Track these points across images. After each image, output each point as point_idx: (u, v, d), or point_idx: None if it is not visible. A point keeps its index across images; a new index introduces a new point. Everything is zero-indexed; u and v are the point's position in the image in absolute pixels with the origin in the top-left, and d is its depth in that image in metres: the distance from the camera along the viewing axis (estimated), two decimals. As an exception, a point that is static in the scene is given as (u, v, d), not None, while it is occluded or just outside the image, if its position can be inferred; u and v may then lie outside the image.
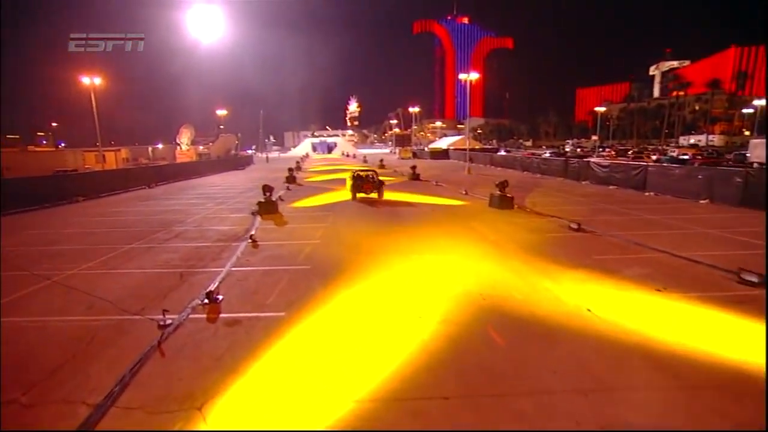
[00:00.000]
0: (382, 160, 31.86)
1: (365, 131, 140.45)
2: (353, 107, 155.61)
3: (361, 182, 13.56)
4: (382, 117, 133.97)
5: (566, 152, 46.17)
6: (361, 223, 9.92)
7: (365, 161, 41.29)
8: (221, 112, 56.36)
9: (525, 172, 24.22)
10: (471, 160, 27.66)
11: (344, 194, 15.60)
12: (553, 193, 14.62)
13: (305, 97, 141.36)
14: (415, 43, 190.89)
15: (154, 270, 6.65)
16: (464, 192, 14.94)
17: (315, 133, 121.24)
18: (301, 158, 49.89)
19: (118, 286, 5.92)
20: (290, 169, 21.40)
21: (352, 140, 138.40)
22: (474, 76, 25.75)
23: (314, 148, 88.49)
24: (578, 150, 52.03)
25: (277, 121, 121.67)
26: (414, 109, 68.06)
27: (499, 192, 11.64)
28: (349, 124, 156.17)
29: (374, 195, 13.36)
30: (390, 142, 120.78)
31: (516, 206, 11.45)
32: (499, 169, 28.15)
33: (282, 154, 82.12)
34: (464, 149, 43.76)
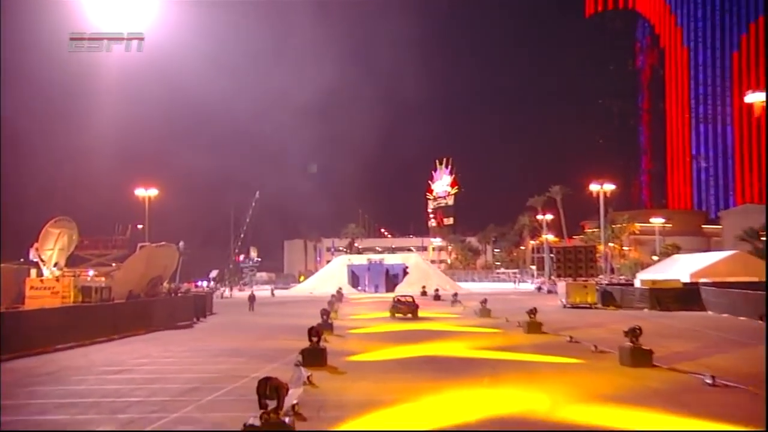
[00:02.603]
0: (533, 313, 31.09)
1: (472, 240, 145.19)
2: (443, 184, 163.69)
3: (399, 305, 41.90)
4: (511, 209, 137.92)
5: None
6: None
7: (483, 308, 42.17)
8: (145, 194, 60.87)
9: None
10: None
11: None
12: None
13: (335, 165, 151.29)
14: (588, 40, 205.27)
15: None
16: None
17: (357, 246, 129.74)
18: (331, 301, 50.56)
19: None
20: (314, 331, 20.86)
21: (444, 261, 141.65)
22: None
23: (355, 279, 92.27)
24: None
25: (268, 217, 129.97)
26: (601, 189, 68.26)
27: None
28: (433, 222, 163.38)
29: (410, 315, 40.43)
30: (532, 267, 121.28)
31: None
32: None
33: (281, 292, 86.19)
34: (743, 286, 41.21)
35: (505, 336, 29.85)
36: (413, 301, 43.05)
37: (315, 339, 20.75)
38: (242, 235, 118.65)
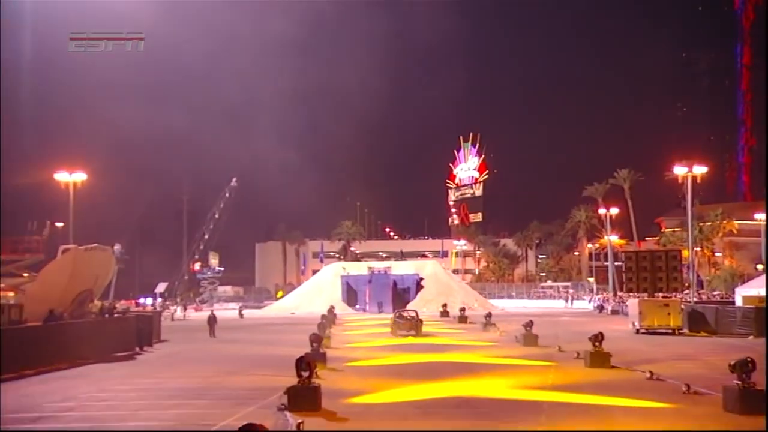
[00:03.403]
0: (598, 339, 31.29)
1: (508, 242, 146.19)
2: (469, 168, 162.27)
3: (400, 321, 52.84)
4: (561, 202, 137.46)
5: None
6: None
7: (527, 333, 42.25)
8: (69, 179, 60.53)
9: None
10: None
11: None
12: None
13: (324, 141, 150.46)
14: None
15: None
16: None
17: (354, 250, 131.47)
18: (322, 323, 50.87)
19: None
20: (304, 363, 20.84)
21: (470, 272, 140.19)
22: None
23: (351, 295, 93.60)
24: None
25: (233, 211, 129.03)
26: (688, 173, 67.42)
27: None
28: (456, 219, 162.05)
29: (412, 332, 50.27)
30: (590, 280, 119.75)
31: None
32: None
33: (252, 312, 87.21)
34: None
35: (561, 371, 29.67)
36: (416, 315, 53.38)
37: (306, 374, 20.63)
38: (206, 236, 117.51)
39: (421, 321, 52.16)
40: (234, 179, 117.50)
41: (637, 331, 48.70)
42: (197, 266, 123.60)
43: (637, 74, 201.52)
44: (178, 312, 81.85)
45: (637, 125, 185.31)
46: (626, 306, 62.15)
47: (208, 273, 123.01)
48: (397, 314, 55.58)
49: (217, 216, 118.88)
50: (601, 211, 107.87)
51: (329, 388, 23.43)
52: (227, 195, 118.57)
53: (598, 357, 30.33)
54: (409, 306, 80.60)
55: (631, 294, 59.51)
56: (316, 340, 31.80)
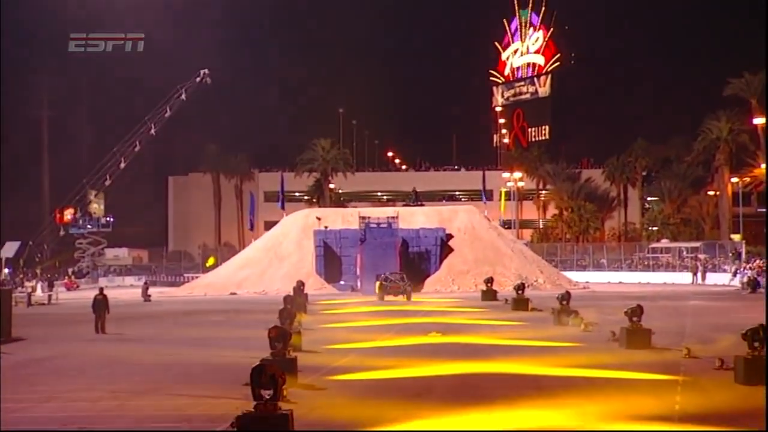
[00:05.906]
0: (757, 337, 30.95)
1: (595, 175, 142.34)
2: (527, 48, 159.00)
3: (387, 284, 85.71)
4: (682, 108, 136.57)
5: None
6: None
7: (633, 326, 42.72)
8: None
9: None
10: None
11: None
12: None
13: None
14: None
15: None
16: None
17: (337, 189, 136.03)
18: (286, 310, 50.43)
19: None
20: (265, 374, 20.74)
21: (532, 224, 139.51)
22: None
23: (331, 264, 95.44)
24: None
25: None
26: None
27: None
28: (504, 137, 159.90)
29: (402, 296, 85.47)
30: (734, 237, 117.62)
31: None
32: None
33: (165, 291, 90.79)
34: None
35: (694, 390, 29.42)
36: (403, 277, 74.64)
37: (268, 393, 20.02)
38: (122, 165, 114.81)
39: (410, 285, 71.75)
40: (204, 72, 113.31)
41: None
42: (68, 214, 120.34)
43: None
44: (40, 291, 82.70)
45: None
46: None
47: (89, 227, 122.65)
48: (384, 277, 79.16)
49: (153, 132, 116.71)
50: (758, 120, 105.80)
51: (305, 418, 23.31)
52: (182, 98, 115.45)
53: (758, 366, 29.61)
54: (430, 280, 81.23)
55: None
56: (281, 337, 31.38)
